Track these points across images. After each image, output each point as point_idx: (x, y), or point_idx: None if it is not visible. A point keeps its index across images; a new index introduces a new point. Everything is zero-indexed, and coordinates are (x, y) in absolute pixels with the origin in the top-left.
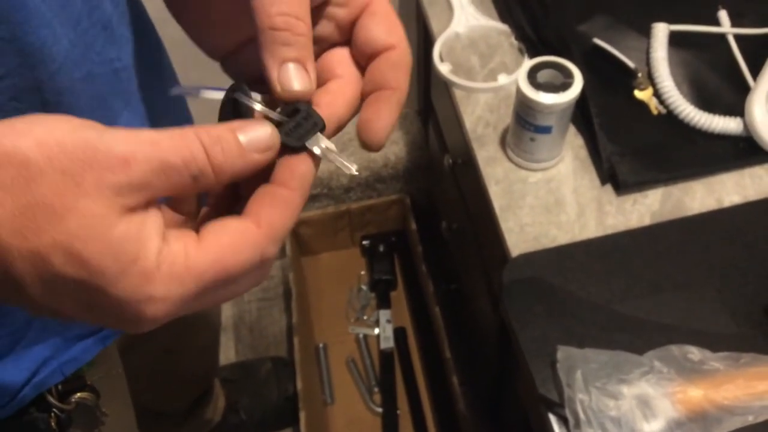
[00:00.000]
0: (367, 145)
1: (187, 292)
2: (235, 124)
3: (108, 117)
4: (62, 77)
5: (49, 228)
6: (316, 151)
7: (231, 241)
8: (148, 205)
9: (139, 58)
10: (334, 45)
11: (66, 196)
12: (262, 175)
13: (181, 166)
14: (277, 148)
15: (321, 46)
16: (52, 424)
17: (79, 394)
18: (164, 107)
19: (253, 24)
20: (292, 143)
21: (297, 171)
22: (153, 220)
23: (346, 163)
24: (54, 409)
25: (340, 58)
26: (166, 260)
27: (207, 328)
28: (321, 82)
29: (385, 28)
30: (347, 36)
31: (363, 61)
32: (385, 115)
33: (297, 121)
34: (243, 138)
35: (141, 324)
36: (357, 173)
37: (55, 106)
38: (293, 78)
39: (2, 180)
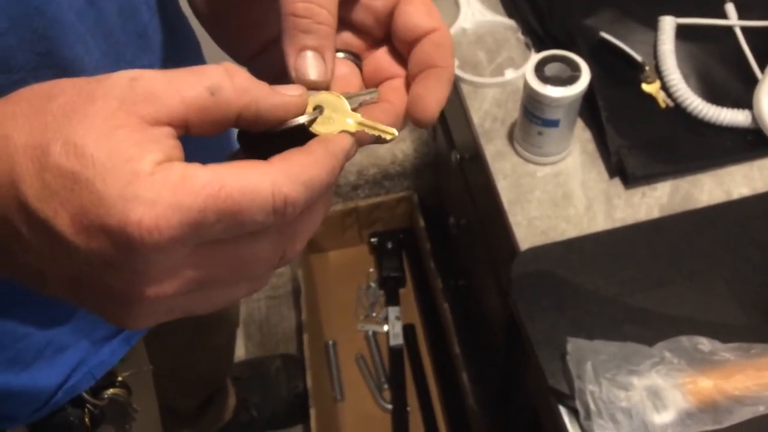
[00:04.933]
0: (419, 121)
1: (180, 205)
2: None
3: None
4: None
5: (56, 125)
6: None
7: (235, 164)
8: (168, 133)
9: (174, 62)
10: (376, 39)
11: (77, 103)
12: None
13: (194, 78)
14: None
15: (365, 40)
16: (86, 419)
17: (111, 390)
18: None
19: (279, 15)
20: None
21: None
22: (166, 143)
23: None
24: (87, 405)
25: (392, 55)
26: (163, 170)
27: (225, 326)
28: (378, 79)
29: (424, 13)
30: (386, 27)
31: (405, 48)
32: (436, 90)
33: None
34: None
35: (128, 235)
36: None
37: None
38: (310, 66)
39: (30, 99)
